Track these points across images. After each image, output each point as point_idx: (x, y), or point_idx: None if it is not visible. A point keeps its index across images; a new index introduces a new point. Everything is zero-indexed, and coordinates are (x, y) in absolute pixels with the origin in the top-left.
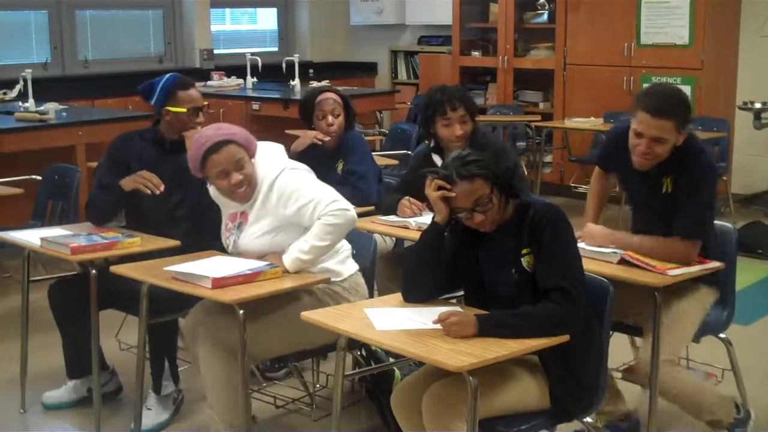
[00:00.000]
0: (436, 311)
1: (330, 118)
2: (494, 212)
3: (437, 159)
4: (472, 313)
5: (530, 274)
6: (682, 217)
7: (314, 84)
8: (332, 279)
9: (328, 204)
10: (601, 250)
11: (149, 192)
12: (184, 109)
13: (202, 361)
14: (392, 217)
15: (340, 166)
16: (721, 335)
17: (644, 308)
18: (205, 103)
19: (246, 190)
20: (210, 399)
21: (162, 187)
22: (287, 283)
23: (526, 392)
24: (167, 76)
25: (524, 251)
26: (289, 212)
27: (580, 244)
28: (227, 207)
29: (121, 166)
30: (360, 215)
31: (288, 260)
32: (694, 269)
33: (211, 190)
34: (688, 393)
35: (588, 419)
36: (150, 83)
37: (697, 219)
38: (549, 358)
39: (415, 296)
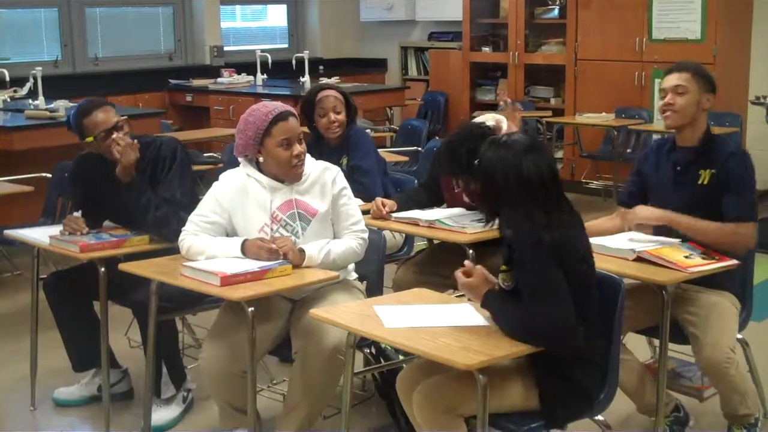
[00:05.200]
0: (445, 309)
1: (332, 116)
2: None
3: None
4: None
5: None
6: (732, 202)
7: (324, 80)
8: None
9: (364, 229)
10: (618, 247)
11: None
12: (91, 138)
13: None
14: (403, 213)
15: (344, 162)
16: (738, 336)
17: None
18: (121, 117)
19: (302, 167)
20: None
21: (85, 230)
22: (295, 281)
23: (513, 392)
24: (74, 108)
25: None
26: (338, 206)
27: (598, 240)
28: (261, 199)
29: (86, 186)
30: (368, 212)
31: (313, 253)
32: (713, 266)
33: (232, 183)
34: (744, 380)
35: (599, 417)
36: (68, 118)
37: (749, 201)
38: (535, 359)
39: None
